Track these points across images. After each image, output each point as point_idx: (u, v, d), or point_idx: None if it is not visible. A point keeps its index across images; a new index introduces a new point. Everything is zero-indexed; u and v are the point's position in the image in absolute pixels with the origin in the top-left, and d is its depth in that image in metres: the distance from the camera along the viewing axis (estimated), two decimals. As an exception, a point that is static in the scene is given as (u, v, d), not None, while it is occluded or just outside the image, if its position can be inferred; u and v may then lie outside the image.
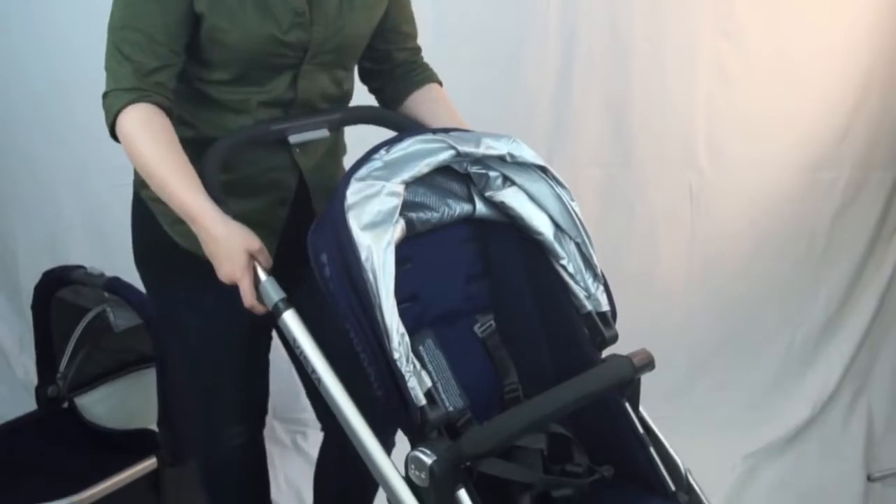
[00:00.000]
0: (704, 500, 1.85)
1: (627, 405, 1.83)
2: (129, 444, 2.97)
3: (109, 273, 2.89)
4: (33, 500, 2.64)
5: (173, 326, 2.22)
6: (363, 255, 1.60)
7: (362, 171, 1.70)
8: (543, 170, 1.86)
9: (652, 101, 3.46)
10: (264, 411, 2.40)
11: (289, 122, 1.97)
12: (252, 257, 1.75)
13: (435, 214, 1.83)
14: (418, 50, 2.20)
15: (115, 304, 3.00)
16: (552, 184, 1.86)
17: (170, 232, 2.04)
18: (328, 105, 2.06)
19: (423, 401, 1.61)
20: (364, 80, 2.22)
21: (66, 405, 3.17)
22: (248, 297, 1.76)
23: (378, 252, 1.61)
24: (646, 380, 1.82)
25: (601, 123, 3.49)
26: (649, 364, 1.77)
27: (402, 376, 1.60)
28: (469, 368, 1.91)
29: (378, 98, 2.23)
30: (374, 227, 1.63)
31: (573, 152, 3.44)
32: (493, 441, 1.58)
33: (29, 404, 3.20)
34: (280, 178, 2.04)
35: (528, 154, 1.85)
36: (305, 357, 1.72)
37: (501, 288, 1.96)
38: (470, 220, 1.90)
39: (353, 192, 1.65)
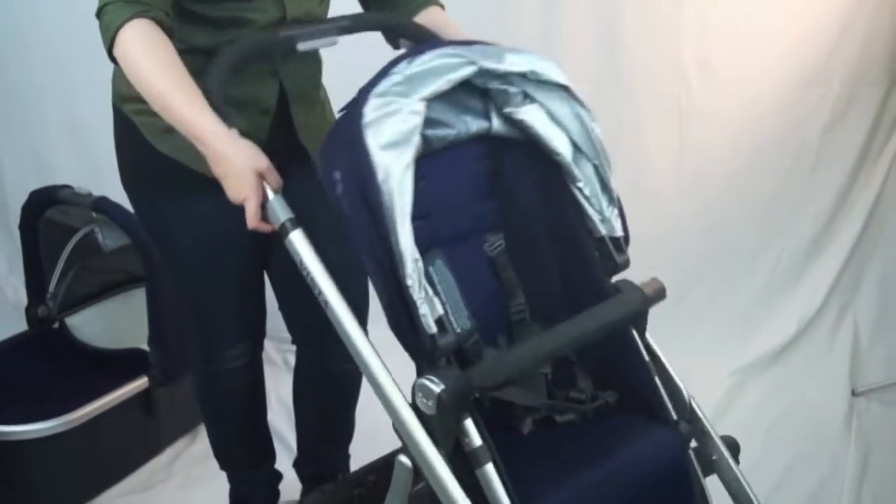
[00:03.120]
0: (708, 428, 1.84)
1: (634, 332, 1.82)
2: (120, 364, 2.98)
3: (97, 193, 2.87)
4: (25, 421, 2.66)
5: (165, 242, 2.17)
6: (380, 176, 1.55)
7: (381, 87, 1.63)
8: (565, 89, 1.81)
9: (641, 17, 3.41)
10: (262, 331, 2.37)
11: (296, 29, 1.90)
12: (260, 176, 1.70)
13: (451, 132, 1.79)
14: None
15: (103, 223, 2.99)
16: (573, 104, 1.81)
17: (154, 143, 1.98)
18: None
19: (433, 328, 1.57)
20: (364, 6, 2.16)
21: (56, 325, 3.18)
22: (252, 219, 1.70)
23: (396, 173, 1.56)
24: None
25: (590, 39, 3.45)
26: (661, 294, 1.75)
27: (414, 303, 1.55)
28: (477, 288, 1.88)
29: None
30: (394, 147, 1.57)
31: (561, 68, 3.39)
32: (504, 375, 1.57)
33: (19, 325, 3.21)
34: (259, 86, 1.99)
35: (551, 72, 1.80)
36: (312, 279, 1.67)
37: (512, 207, 1.92)
38: (485, 137, 1.84)
39: (372, 109, 1.59)
